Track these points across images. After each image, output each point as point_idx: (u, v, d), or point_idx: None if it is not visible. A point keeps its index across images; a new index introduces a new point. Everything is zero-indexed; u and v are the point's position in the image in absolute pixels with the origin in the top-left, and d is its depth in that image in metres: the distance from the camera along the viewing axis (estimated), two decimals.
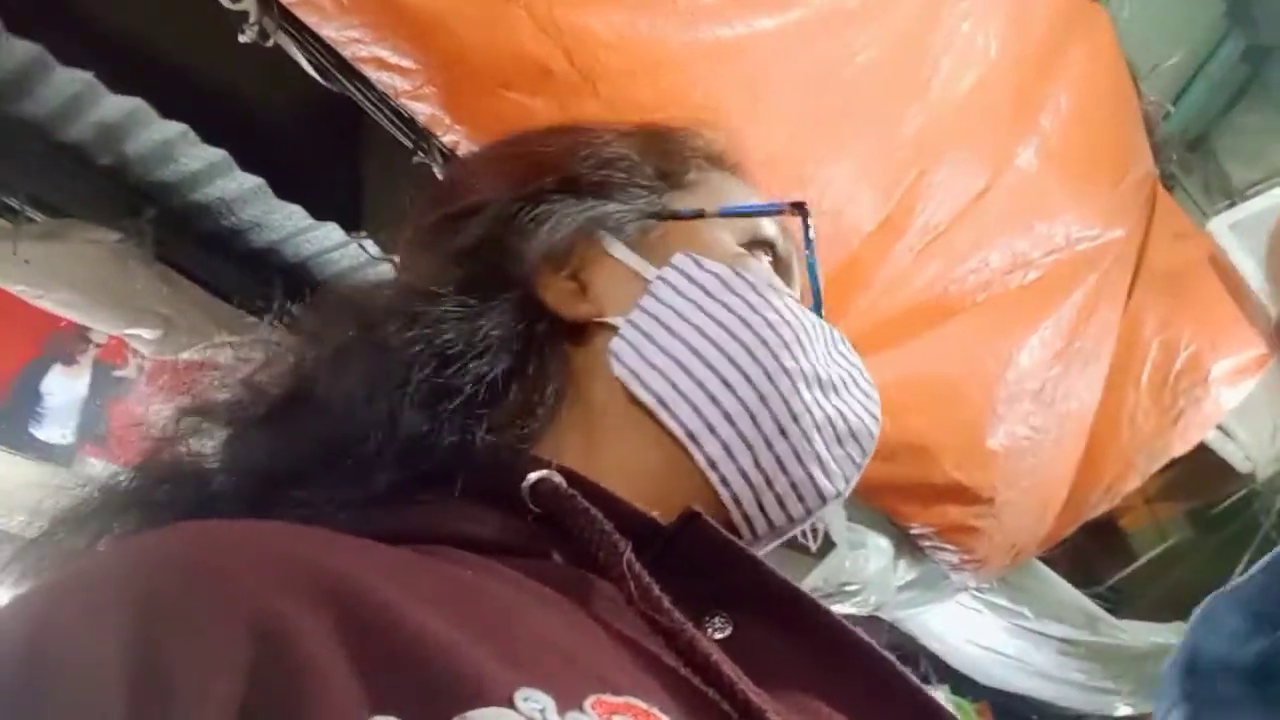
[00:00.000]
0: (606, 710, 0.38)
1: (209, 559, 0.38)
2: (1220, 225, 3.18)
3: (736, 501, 0.58)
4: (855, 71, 1.78)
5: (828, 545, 2.42)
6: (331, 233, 2.09)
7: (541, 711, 0.36)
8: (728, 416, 0.57)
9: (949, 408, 2.26)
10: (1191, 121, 3.45)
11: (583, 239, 0.62)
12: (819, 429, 0.60)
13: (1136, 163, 2.83)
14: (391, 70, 1.34)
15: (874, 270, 1.97)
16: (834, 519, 2.34)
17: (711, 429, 0.57)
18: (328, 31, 1.30)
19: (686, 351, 0.59)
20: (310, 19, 1.29)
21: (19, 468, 2.04)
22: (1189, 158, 3.46)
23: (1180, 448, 3.03)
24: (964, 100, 2.07)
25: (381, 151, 1.96)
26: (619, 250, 0.63)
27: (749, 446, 0.58)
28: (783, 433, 0.58)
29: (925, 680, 3.62)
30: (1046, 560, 3.19)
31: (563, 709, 0.36)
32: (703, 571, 0.51)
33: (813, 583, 2.51)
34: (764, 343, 0.60)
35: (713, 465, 0.57)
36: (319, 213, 2.04)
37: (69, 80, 1.75)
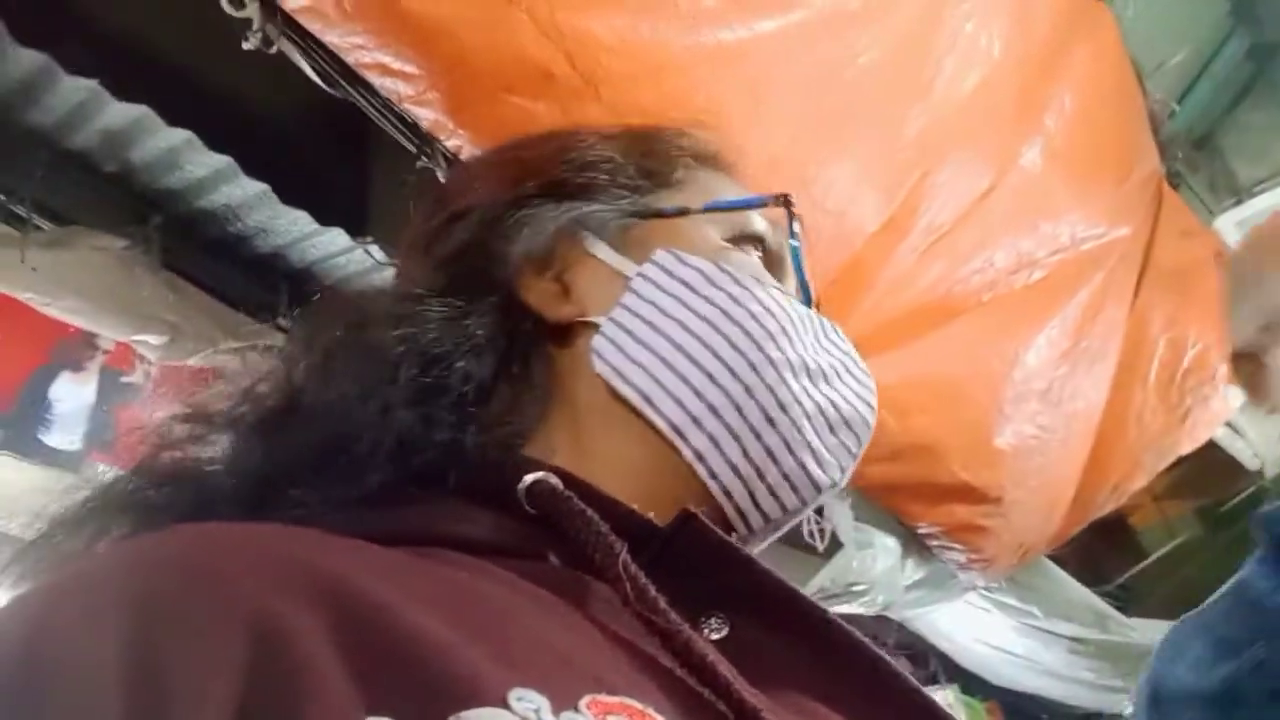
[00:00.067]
0: (601, 710, 0.38)
1: (207, 560, 0.38)
2: (1227, 223, 3.18)
3: (727, 494, 0.57)
4: (857, 73, 1.78)
5: (835, 545, 2.42)
6: (337, 238, 2.10)
7: (536, 711, 0.36)
8: (713, 409, 0.57)
9: (955, 408, 2.26)
10: (1197, 120, 3.45)
11: (565, 241, 0.63)
12: (809, 418, 0.60)
13: (1142, 161, 2.83)
14: (394, 76, 1.34)
15: (878, 271, 1.97)
16: (841, 519, 2.34)
17: (697, 422, 0.57)
18: (331, 38, 1.30)
19: (668, 346, 0.59)
20: (313, 26, 1.29)
21: (27, 474, 2.05)
22: (1195, 156, 3.45)
23: (1188, 446, 3.03)
24: (967, 100, 2.07)
25: (386, 156, 1.97)
26: (601, 250, 0.63)
27: (737, 438, 0.57)
28: (771, 423, 0.58)
29: (934, 679, 3.62)
30: (1055, 559, 3.19)
31: (557, 709, 0.36)
32: (699, 572, 0.50)
33: (820, 583, 2.52)
34: (747, 334, 0.59)
35: (700, 458, 0.57)
36: (324, 218, 2.05)
37: (74, 88, 1.77)
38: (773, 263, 0.67)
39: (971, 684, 3.72)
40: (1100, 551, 3.71)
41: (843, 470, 0.62)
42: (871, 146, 1.88)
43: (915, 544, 2.64)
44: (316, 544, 0.43)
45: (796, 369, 0.60)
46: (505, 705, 0.35)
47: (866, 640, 0.50)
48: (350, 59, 1.33)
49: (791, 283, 0.68)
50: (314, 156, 2.13)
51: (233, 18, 1.33)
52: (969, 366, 2.28)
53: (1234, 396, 3.03)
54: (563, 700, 0.37)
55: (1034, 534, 2.72)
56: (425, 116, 1.40)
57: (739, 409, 0.58)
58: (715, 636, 0.49)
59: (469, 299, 0.59)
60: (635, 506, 0.52)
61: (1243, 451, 3.56)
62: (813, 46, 1.69)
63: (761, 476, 0.58)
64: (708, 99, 1.51)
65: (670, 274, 0.61)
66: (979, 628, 3.26)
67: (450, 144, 1.44)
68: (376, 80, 1.36)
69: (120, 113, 1.82)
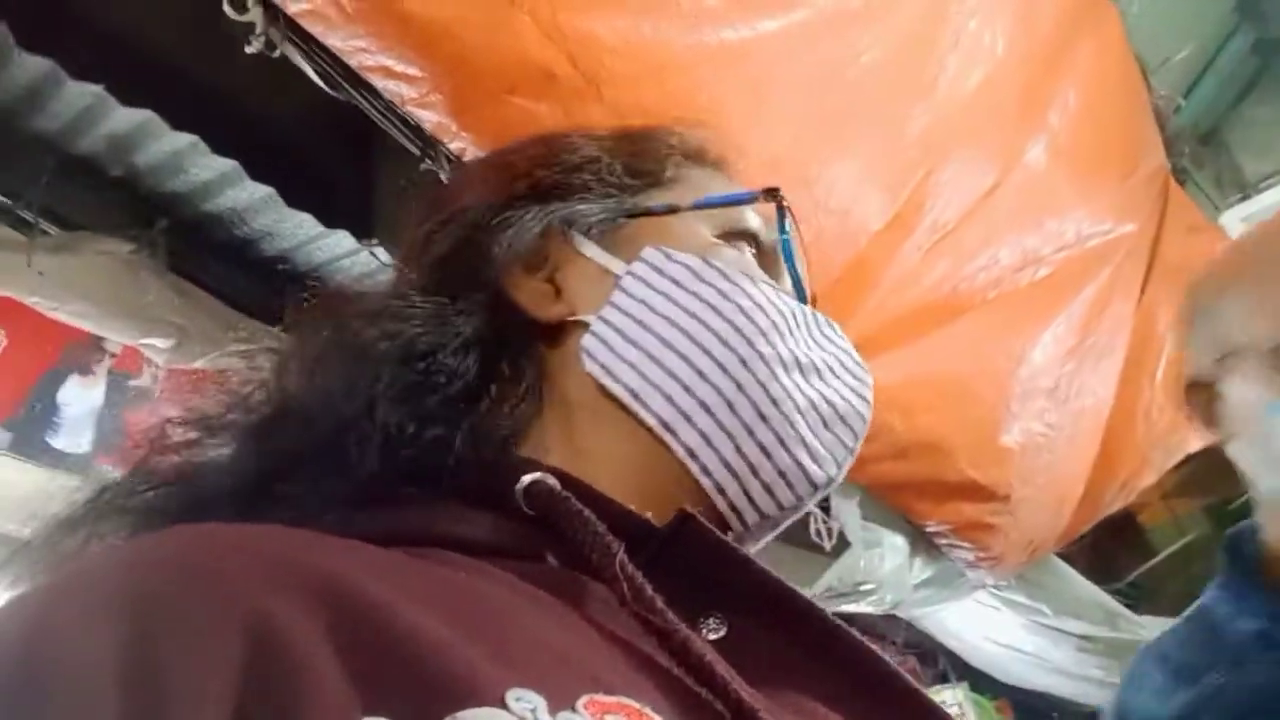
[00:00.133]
0: (599, 710, 0.38)
1: (204, 561, 0.38)
2: (1233, 218, 3.17)
3: (721, 491, 0.57)
4: (860, 72, 1.78)
5: (842, 544, 2.41)
6: (342, 240, 2.10)
7: (533, 711, 0.36)
8: (704, 405, 0.57)
9: (962, 406, 2.26)
10: (1203, 115, 3.44)
11: (555, 241, 0.63)
12: (802, 413, 0.59)
13: (1147, 157, 2.83)
14: (398, 78, 1.34)
15: (882, 269, 1.97)
16: (848, 518, 2.34)
17: (687, 418, 0.57)
18: (333, 41, 1.31)
19: (657, 343, 0.59)
20: (316, 29, 1.29)
21: (35, 476, 2.06)
22: (1201, 151, 3.44)
23: (1197, 442, 3.01)
24: (971, 98, 2.06)
25: (390, 159, 1.97)
26: (590, 249, 0.63)
27: (729, 435, 0.57)
28: (763, 419, 0.58)
29: (944, 678, 3.61)
30: (1065, 556, 3.18)
31: (555, 709, 0.37)
32: (697, 573, 0.51)
33: (828, 582, 2.51)
34: (737, 329, 0.59)
35: (692, 455, 0.57)
36: (329, 221, 2.05)
37: (80, 94, 1.77)
38: (766, 259, 0.67)
39: (981, 682, 3.71)
40: (1109, 549, 3.70)
41: (839, 466, 0.62)
42: (875, 145, 1.88)
43: (923, 542, 2.63)
44: (313, 544, 0.43)
45: (788, 364, 0.60)
46: (503, 705, 0.36)
47: (865, 640, 0.50)
48: (353, 62, 1.33)
49: (786, 279, 0.68)
50: (318, 159, 2.13)
51: (236, 21, 1.33)
52: (975, 364, 2.28)
53: None
54: (560, 700, 0.37)
55: (1042, 531, 2.71)
56: (428, 119, 1.40)
57: (730, 405, 0.58)
58: (713, 636, 0.49)
59: (456, 297, 0.59)
60: (632, 506, 0.53)
61: None
62: (815, 45, 1.69)
63: (755, 473, 0.58)
64: (710, 99, 1.51)
65: (659, 271, 0.61)
66: (988, 626, 3.25)
67: (454, 146, 1.44)
68: (379, 83, 1.36)
69: (125, 118, 1.82)
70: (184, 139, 1.86)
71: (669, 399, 0.57)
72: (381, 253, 2.09)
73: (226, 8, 1.31)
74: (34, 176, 1.87)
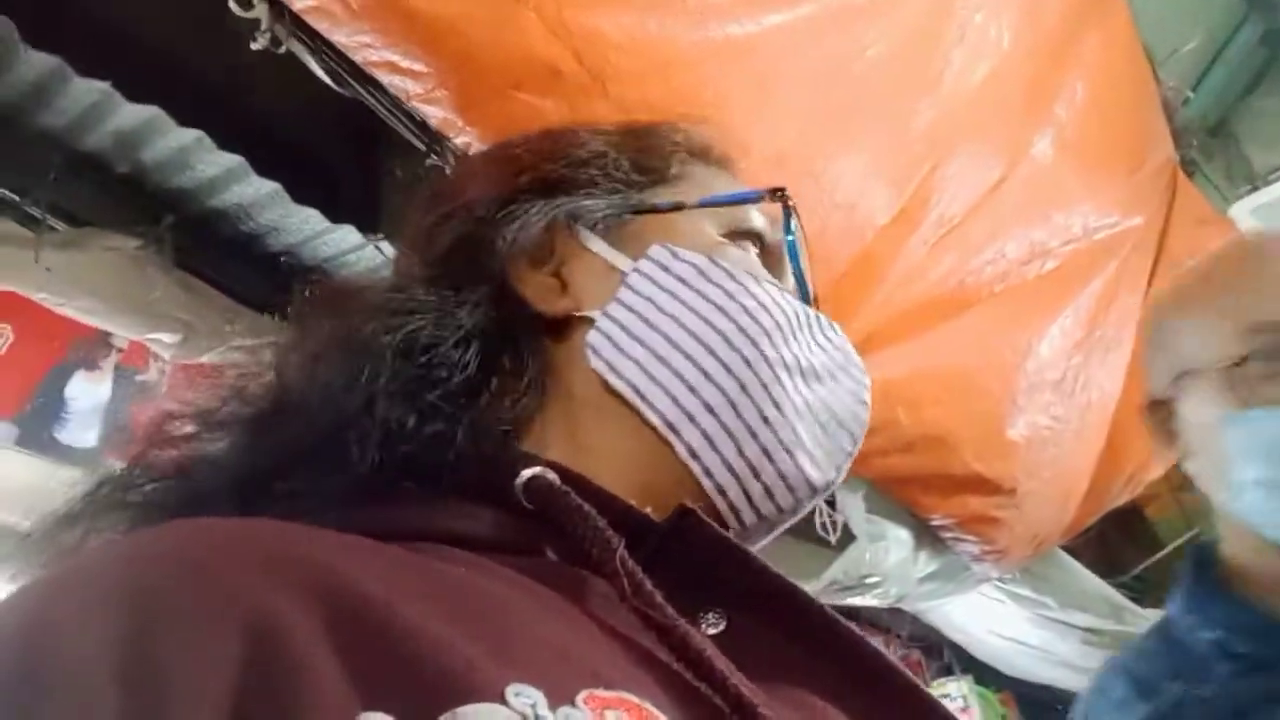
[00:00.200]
0: (599, 705, 0.38)
1: (203, 556, 0.38)
2: (1242, 210, 3.15)
3: (721, 492, 0.57)
4: (865, 66, 1.78)
5: (847, 538, 2.41)
6: (349, 235, 2.11)
7: (533, 706, 0.36)
8: (708, 406, 0.57)
9: (967, 399, 2.25)
10: (1211, 107, 3.43)
11: (561, 235, 0.63)
12: (803, 418, 0.60)
13: (1155, 149, 2.81)
14: (403, 74, 1.34)
15: (889, 264, 1.96)
16: (853, 511, 2.34)
17: (691, 418, 0.57)
18: (339, 37, 1.31)
19: (663, 342, 0.59)
20: (321, 25, 1.29)
21: (42, 471, 2.06)
22: (1210, 143, 3.43)
23: None
24: (977, 92, 2.06)
25: (396, 154, 1.98)
26: (596, 244, 0.63)
27: (731, 436, 0.57)
28: (766, 421, 0.58)
29: (949, 671, 3.61)
30: (1071, 550, 3.17)
31: (554, 704, 0.37)
32: (697, 568, 0.51)
33: (833, 575, 2.51)
34: (742, 330, 0.59)
35: (694, 455, 0.57)
36: (335, 216, 2.05)
37: (86, 90, 1.78)
38: (771, 258, 0.67)
39: (986, 675, 3.71)
40: (1116, 542, 3.69)
41: (838, 470, 0.62)
42: (881, 140, 1.87)
43: (928, 536, 2.62)
44: (313, 539, 0.43)
45: (791, 367, 0.60)
46: (502, 700, 0.36)
47: (864, 635, 0.51)
48: (358, 58, 1.33)
49: (789, 279, 0.68)
50: (324, 155, 2.14)
51: (241, 18, 1.33)
52: (981, 358, 2.27)
53: None
54: (560, 695, 0.37)
55: (1048, 525, 2.71)
56: (434, 114, 1.40)
57: (734, 407, 0.58)
58: (712, 631, 0.50)
59: (460, 290, 0.59)
60: (632, 502, 0.53)
61: None
62: (820, 40, 1.69)
63: (756, 475, 0.58)
64: (716, 94, 1.51)
65: (666, 269, 0.61)
66: (993, 619, 3.25)
67: (459, 141, 1.44)
68: (385, 78, 1.36)
69: (132, 114, 1.83)
70: (190, 135, 1.87)
71: (673, 398, 0.57)
72: (387, 248, 2.09)
73: (232, 4, 1.31)
74: (41, 173, 1.88)
